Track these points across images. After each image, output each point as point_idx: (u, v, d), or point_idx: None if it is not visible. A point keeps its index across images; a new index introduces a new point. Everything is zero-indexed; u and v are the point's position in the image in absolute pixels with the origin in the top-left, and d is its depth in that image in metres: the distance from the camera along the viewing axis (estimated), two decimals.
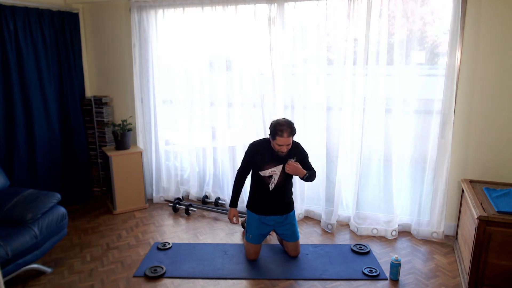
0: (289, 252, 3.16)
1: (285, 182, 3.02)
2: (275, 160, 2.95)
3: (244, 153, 3.07)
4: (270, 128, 2.88)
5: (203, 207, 4.08)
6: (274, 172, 2.97)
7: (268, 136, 2.98)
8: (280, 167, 2.95)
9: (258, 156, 2.98)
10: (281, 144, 2.81)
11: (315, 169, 3.09)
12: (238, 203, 3.94)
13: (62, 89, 4.02)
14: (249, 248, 3.09)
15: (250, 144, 3.07)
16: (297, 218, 3.78)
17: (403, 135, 3.40)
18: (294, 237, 3.10)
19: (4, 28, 3.40)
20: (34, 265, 2.89)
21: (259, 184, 3.04)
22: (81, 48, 4.21)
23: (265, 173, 2.97)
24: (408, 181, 3.51)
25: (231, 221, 3.12)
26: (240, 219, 3.75)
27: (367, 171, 3.62)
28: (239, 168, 3.11)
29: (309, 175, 2.98)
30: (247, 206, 3.16)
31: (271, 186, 2.99)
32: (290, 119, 2.97)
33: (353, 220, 3.60)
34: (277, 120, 2.90)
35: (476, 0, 3.01)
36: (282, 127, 2.79)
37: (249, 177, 3.14)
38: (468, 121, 3.23)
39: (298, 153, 3.02)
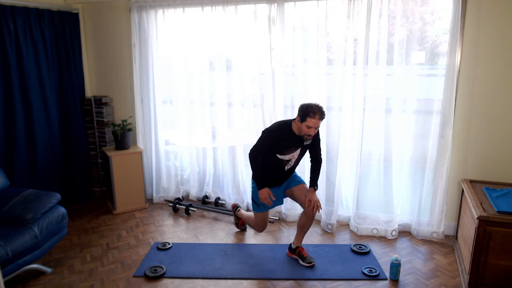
0: (304, 204, 2.99)
1: (299, 161, 3.09)
2: (294, 145, 2.96)
3: (262, 138, 2.93)
4: (300, 110, 2.82)
5: (203, 207, 4.08)
6: (293, 156, 3.00)
7: (277, 121, 3.03)
8: (298, 151, 3.00)
9: (280, 141, 2.91)
10: (311, 126, 2.79)
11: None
12: (237, 201, 3.99)
13: (62, 89, 4.02)
14: (261, 218, 3.16)
15: (268, 130, 2.95)
16: (297, 218, 3.79)
17: (403, 135, 3.40)
18: (299, 180, 3.14)
19: (4, 28, 3.40)
20: (34, 265, 2.89)
21: (274, 166, 3.00)
22: (81, 48, 4.21)
23: (285, 157, 2.97)
24: (408, 181, 3.51)
25: (267, 200, 2.93)
26: (234, 218, 3.70)
27: (367, 171, 3.62)
28: (254, 149, 2.95)
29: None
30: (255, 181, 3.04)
31: (287, 167, 3.03)
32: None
33: (353, 220, 3.60)
34: (308, 103, 2.84)
35: (476, 0, 3.01)
36: (315, 110, 2.77)
37: None
38: (468, 121, 3.23)
39: (317, 139, 3.06)
